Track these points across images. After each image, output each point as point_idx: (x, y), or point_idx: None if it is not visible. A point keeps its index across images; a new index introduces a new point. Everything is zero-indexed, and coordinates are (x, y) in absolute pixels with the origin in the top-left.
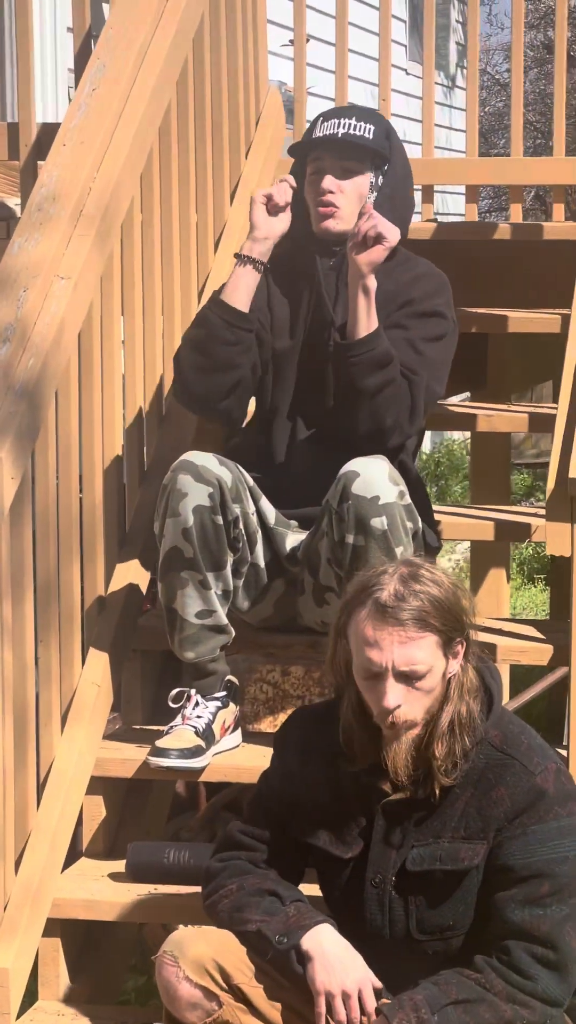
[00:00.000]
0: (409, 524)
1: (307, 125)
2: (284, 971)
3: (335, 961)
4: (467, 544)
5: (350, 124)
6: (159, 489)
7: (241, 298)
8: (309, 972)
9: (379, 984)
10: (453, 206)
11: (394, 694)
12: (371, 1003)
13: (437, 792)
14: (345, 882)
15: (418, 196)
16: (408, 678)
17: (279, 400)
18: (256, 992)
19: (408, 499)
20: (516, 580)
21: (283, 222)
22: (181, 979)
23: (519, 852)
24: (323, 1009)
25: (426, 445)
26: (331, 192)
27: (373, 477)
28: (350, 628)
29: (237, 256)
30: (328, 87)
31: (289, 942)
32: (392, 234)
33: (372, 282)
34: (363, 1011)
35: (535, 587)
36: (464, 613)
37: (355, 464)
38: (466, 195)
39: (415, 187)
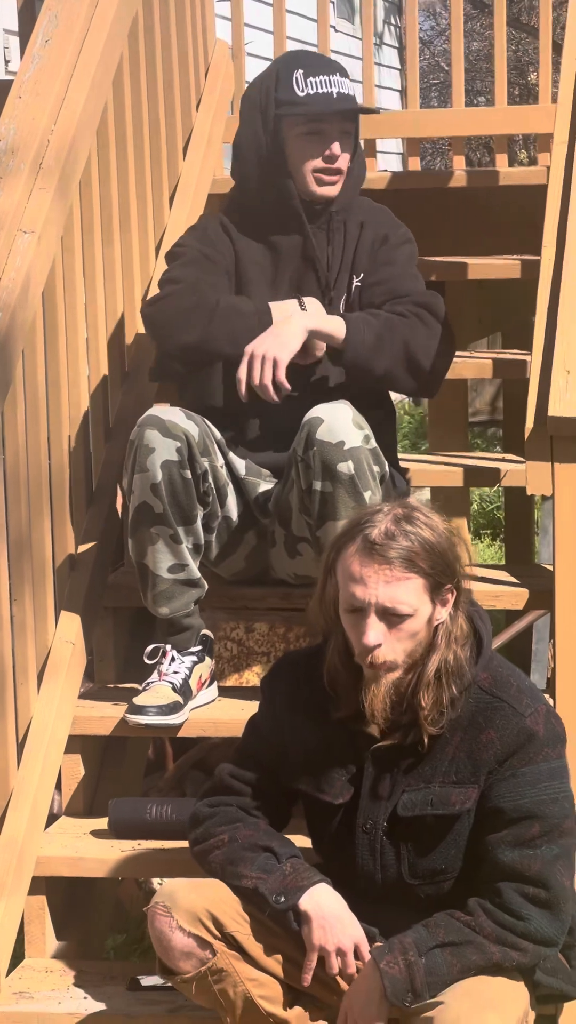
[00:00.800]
0: (376, 468)
1: (246, 83)
2: (280, 927)
3: (333, 921)
4: (419, 495)
5: (339, 82)
6: (126, 445)
7: None
8: (305, 931)
9: (375, 939)
10: (383, 165)
11: (375, 632)
12: (367, 957)
13: (426, 740)
14: (336, 828)
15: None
16: (390, 617)
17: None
18: (250, 940)
19: (374, 443)
20: (485, 535)
21: None
22: (174, 929)
23: (509, 794)
24: (313, 964)
25: None
26: (339, 158)
27: (337, 422)
28: (339, 563)
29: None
30: (264, 47)
31: (287, 902)
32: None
33: (307, 330)
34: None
35: (482, 543)
36: (457, 560)
37: (318, 410)
38: (407, 149)
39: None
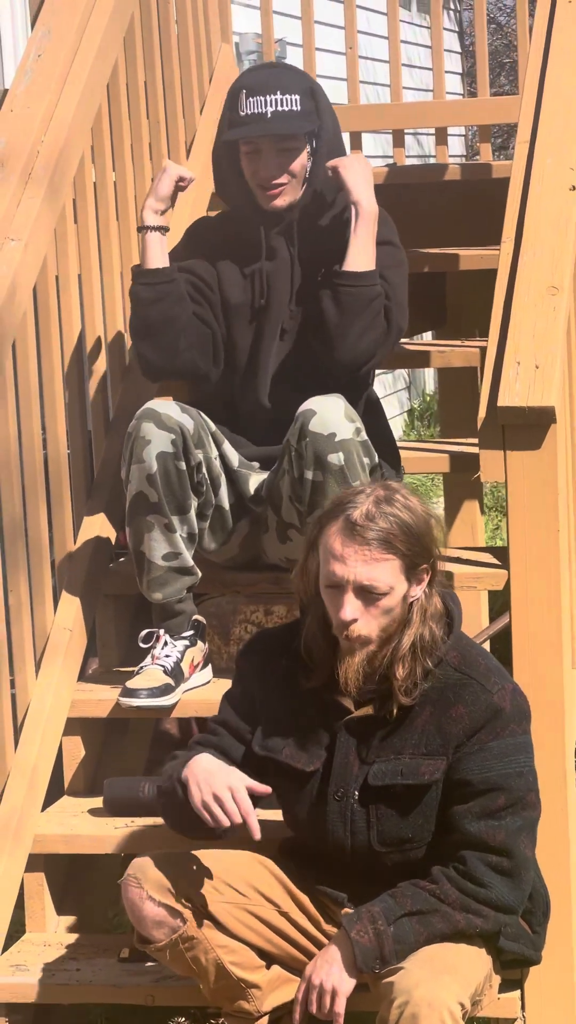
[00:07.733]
0: (366, 460)
1: None
2: (183, 814)
3: (204, 775)
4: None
5: (277, 100)
6: (124, 437)
7: (156, 259)
8: (188, 795)
9: (262, 788)
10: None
11: (351, 607)
12: (245, 803)
13: (395, 711)
14: (307, 795)
15: (389, 140)
16: (367, 594)
17: (239, 356)
18: (220, 908)
19: (364, 436)
20: (494, 514)
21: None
22: (145, 899)
23: (476, 767)
24: (206, 814)
25: None
26: (274, 176)
27: (329, 415)
28: (320, 540)
29: (140, 229)
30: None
31: (171, 779)
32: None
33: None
34: (242, 811)
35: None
36: (433, 542)
37: (312, 403)
38: (436, 137)
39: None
